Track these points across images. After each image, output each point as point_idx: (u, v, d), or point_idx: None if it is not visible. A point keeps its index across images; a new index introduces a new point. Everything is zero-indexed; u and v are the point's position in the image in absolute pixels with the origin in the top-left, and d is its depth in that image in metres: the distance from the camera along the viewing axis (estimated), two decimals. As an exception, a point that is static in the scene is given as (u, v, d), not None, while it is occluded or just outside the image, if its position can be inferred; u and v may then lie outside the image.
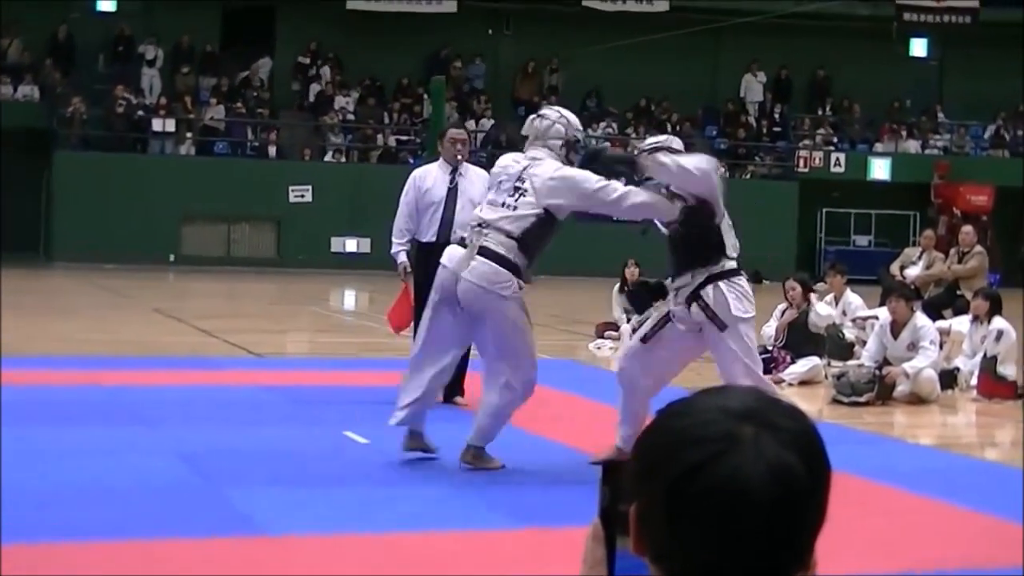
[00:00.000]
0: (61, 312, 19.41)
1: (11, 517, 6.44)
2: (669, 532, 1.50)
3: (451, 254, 8.27)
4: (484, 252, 8.09)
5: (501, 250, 8.07)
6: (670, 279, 8.36)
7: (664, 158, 7.99)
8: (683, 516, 1.49)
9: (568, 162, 8.36)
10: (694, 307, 8.12)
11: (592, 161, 8.40)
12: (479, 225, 8.22)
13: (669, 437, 1.52)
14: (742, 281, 8.25)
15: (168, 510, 7.00)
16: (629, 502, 1.55)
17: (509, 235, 8.09)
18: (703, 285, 8.09)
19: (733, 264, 8.23)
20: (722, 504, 1.47)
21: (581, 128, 8.68)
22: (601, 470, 1.60)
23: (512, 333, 8.15)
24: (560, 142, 8.39)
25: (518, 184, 8.22)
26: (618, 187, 8.12)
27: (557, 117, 8.57)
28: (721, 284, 8.10)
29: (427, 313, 8.49)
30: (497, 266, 8.05)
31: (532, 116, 8.75)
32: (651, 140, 8.59)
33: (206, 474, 7.99)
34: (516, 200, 8.18)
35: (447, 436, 8.60)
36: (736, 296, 8.12)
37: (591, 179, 8.13)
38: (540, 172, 8.21)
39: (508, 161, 8.53)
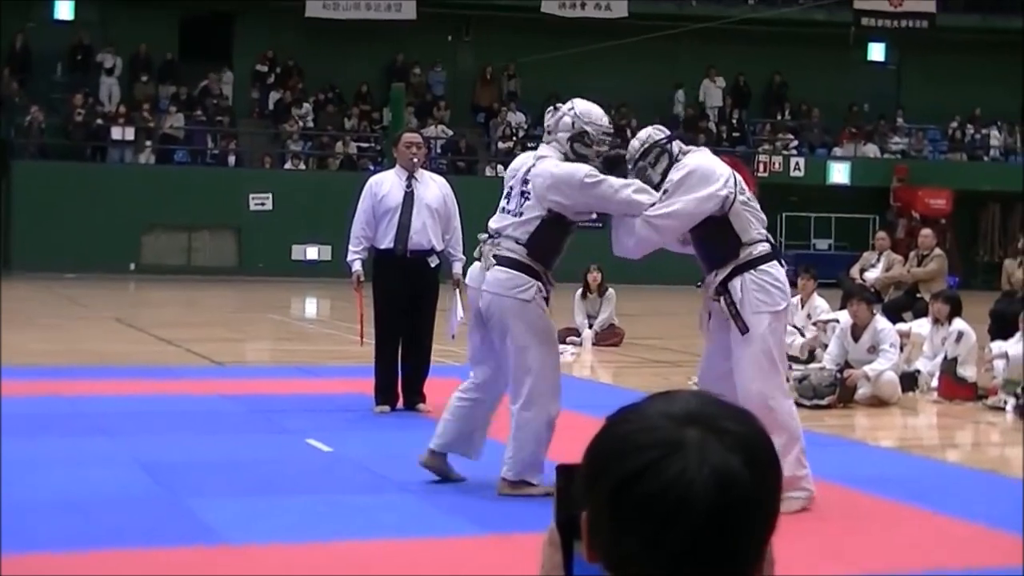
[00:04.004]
0: (20, 322, 19.28)
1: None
2: (614, 538, 1.49)
3: (471, 272, 7.91)
4: (499, 260, 7.72)
5: (515, 255, 7.69)
6: (701, 281, 7.84)
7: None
8: (627, 522, 1.47)
9: (574, 156, 7.76)
10: (722, 301, 7.64)
11: (613, 168, 7.79)
12: (490, 236, 7.84)
13: (613, 443, 1.51)
14: (772, 269, 7.64)
15: (129, 520, 6.95)
16: (583, 508, 1.54)
17: (517, 241, 7.70)
18: (730, 277, 7.60)
19: (762, 249, 7.64)
20: (665, 509, 1.45)
21: (600, 120, 7.90)
22: (556, 475, 1.60)
23: (532, 344, 7.66)
24: (566, 135, 7.82)
25: (524, 188, 7.76)
26: (613, 182, 7.57)
27: (567, 108, 7.90)
28: (747, 275, 7.57)
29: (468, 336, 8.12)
30: (512, 271, 7.67)
31: (549, 108, 8.14)
32: (639, 142, 7.86)
33: (167, 484, 7.95)
34: (522, 206, 7.75)
35: (409, 443, 8.58)
36: (761, 288, 7.56)
37: (581, 170, 7.61)
38: (540, 170, 7.72)
39: (518, 163, 8.03)
